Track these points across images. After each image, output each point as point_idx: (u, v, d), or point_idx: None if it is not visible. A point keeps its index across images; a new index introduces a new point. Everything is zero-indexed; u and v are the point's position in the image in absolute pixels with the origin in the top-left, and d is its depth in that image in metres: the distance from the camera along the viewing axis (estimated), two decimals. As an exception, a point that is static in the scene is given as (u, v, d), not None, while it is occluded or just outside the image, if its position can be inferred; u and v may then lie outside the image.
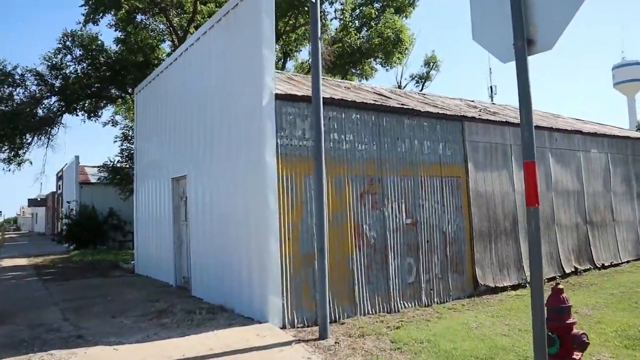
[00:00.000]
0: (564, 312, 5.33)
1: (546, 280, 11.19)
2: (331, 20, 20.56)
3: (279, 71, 13.92)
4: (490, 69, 40.51)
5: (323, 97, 8.74)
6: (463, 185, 10.56)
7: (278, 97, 8.30)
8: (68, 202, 26.85)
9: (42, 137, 17.15)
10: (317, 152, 7.50)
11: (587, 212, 13.09)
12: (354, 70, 22.83)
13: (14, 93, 15.83)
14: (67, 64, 17.03)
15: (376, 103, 9.55)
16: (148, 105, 14.31)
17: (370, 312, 8.84)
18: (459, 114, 10.82)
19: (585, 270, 12.52)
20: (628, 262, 13.78)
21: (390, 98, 11.85)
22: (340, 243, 8.68)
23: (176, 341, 7.14)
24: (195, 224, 10.76)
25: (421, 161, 9.96)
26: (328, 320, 7.37)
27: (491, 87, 36.18)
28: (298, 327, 7.98)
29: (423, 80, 30.52)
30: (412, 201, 9.72)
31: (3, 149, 16.42)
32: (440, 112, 10.52)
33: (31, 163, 17.96)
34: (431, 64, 30.00)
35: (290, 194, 8.25)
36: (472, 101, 16.51)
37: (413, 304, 9.40)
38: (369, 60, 20.37)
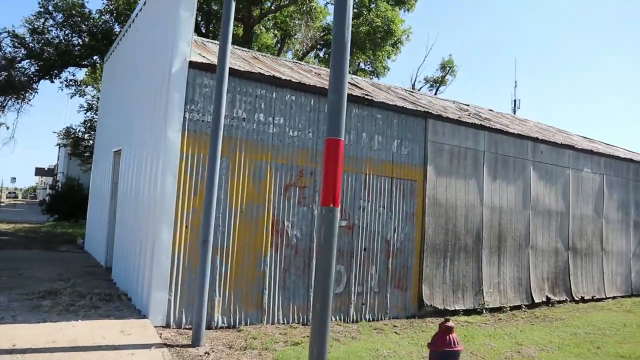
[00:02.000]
0: (449, 358, 4.16)
1: (509, 308, 9.87)
2: (325, 5, 19.32)
3: (244, 49, 12.93)
4: (515, 82, 38.52)
5: (251, 72, 7.69)
6: (419, 191, 9.30)
7: (193, 65, 7.25)
8: (60, 172, 26.47)
9: (18, 102, 16.63)
10: (213, 129, 6.42)
11: (571, 237, 11.60)
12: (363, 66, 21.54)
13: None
14: (49, 29, 16.43)
15: (316, 85, 8.38)
16: (109, 75, 13.49)
17: (282, 322, 7.72)
18: (422, 109, 9.55)
19: (559, 302, 11.07)
20: (614, 297, 12.23)
21: (361, 88, 10.66)
22: (252, 239, 7.58)
23: (26, 327, 6.18)
24: (121, 203, 9.84)
25: (368, 157, 8.75)
26: (203, 326, 6.29)
27: (515, 100, 34.64)
28: (185, 328, 6.94)
29: (437, 84, 29.05)
30: (351, 202, 8.53)
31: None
32: (399, 104, 9.27)
33: (7, 128, 17.46)
34: (447, 68, 28.50)
35: (195, 177, 7.20)
36: (467, 105, 15.13)
37: (338, 318, 8.23)
38: (357, 52, 19.01)
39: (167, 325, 6.89)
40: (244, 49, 12.27)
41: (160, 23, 8.12)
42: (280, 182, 7.87)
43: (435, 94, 29.77)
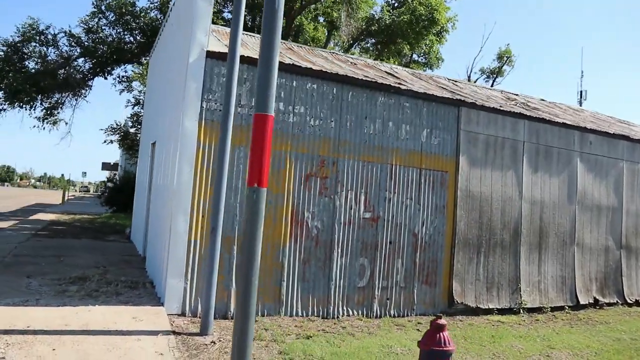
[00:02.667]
0: (438, 358, 3.89)
1: (549, 309, 9.27)
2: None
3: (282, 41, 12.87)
4: (582, 72, 36.30)
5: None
6: (450, 182, 8.87)
7: (210, 55, 7.25)
8: (120, 166, 27.74)
9: (75, 98, 17.50)
10: (223, 118, 6.38)
11: (624, 234, 10.71)
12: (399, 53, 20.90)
13: (44, 52, 16.22)
14: (102, 28, 17.17)
15: (338, 74, 8.16)
16: (152, 70, 13.89)
17: (300, 314, 7.61)
18: (454, 97, 9.09)
19: (609, 304, 10.25)
20: (675, 302, 11.17)
21: (397, 77, 10.32)
22: (271, 230, 7.49)
23: (46, 310, 6.43)
24: (153, 193, 10.09)
25: (395, 147, 8.44)
26: (212, 315, 6.29)
27: (581, 92, 32.63)
28: (200, 317, 6.96)
29: (494, 75, 27.84)
30: (376, 192, 8.26)
31: (35, 107, 16.97)
32: (428, 92, 8.87)
33: (66, 123, 18.44)
34: (504, 58, 27.22)
35: (212, 167, 7.20)
36: (517, 95, 14.35)
37: (360, 312, 8.01)
38: (399, 41, 18.34)
39: (183, 314, 6.96)
40: (283, 41, 12.21)
41: (183, 14, 8.21)
42: (300, 172, 7.73)
43: (492, 86, 28.58)
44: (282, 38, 17.68)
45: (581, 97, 32.09)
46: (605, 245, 10.43)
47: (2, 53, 15.74)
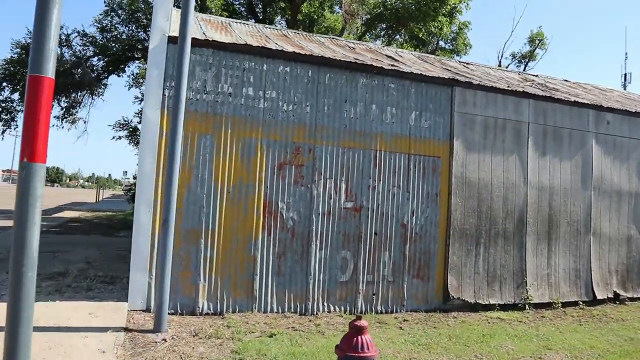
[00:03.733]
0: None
1: (560, 305, 8.49)
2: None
3: (274, 27, 12.47)
4: (626, 54, 34.06)
5: (236, 44, 7.19)
6: (443, 168, 8.20)
7: (173, 40, 6.89)
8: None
9: (91, 97, 17.73)
10: (174, 104, 6.00)
11: (650, 222, 9.67)
12: (398, 37, 19.91)
13: (58, 52, 16.36)
14: (115, 25, 17.27)
15: (313, 55, 7.65)
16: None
17: (276, 310, 7.18)
18: (447, 77, 8.39)
19: (633, 299, 9.27)
20: None
21: (399, 61, 9.70)
22: (241, 222, 7.10)
23: (2, 306, 6.27)
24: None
25: (379, 132, 7.85)
26: (165, 311, 5.93)
27: (625, 74, 30.58)
28: (169, 314, 6.65)
29: (526, 59, 26.41)
30: (358, 180, 7.72)
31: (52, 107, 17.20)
32: (416, 72, 8.21)
33: (85, 122, 18.73)
34: (536, 41, 25.73)
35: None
36: (536, 76, 13.38)
37: (342, 309, 7.50)
38: (410, 24, 17.37)
39: (147, 309, 6.66)
40: (274, 27, 11.81)
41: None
42: (273, 161, 7.29)
43: (524, 70, 27.18)
44: (289, 25, 17.19)
45: (625, 80, 30.06)
46: (628, 235, 9.44)
47: (15, 55, 16.08)
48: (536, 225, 8.68)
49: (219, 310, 6.93)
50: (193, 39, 6.96)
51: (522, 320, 7.66)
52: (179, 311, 6.75)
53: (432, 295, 8.05)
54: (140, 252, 6.68)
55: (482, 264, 8.30)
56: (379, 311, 7.69)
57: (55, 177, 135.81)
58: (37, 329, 5.51)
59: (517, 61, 26.94)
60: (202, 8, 16.48)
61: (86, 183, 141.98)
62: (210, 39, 7.03)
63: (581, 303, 8.79)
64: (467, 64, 12.95)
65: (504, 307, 8.28)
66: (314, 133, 7.49)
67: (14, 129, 17.56)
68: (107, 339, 5.47)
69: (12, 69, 16.34)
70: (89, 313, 6.19)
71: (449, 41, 28.13)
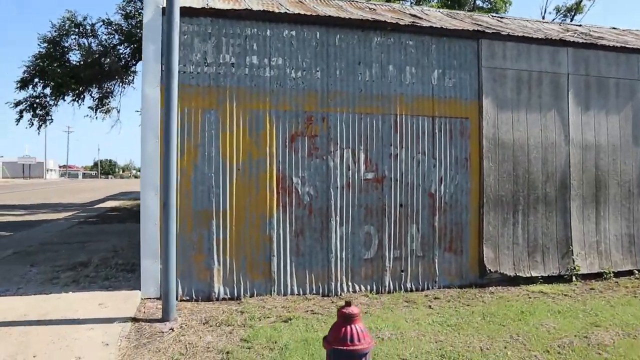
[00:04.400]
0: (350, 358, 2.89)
1: (612, 275, 7.71)
2: None
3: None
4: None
5: (235, 10, 6.68)
6: (473, 130, 7.48)
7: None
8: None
9: (122, 85, 17.74)
10: (166, 77, 5.57)
11: None
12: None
13: (85, 44, 16.44)
14: (139, 11, 17.06)
15: (319, 15, 7.03)
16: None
17: (297, 292, 6.78)
18: (471, 28, 7.59)
19: (697, 265, 8.31)
20: None
21: (422, 19, 8.92)
22: (254, 200, 6.68)
23: (15, 299, 6.18)
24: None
25: (398, 94, 7.20)
26: (173, 299, 5.61)
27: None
28: (183, 300, 6.39)
29: (572, 12, 24.59)
30: (379, 149, 7.12)
31: (83, 98, 17.40)
32: (435, 25, 7.46)
33: (118, 111, 18.81)
34: (583, -8, 23.86)
35: (181, 135, 6.48)
36: (579, 25, 12.22)
37: (367, 288, 7.01)
38: None
39: (161, 297, 6.39)
40: None
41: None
42: (284, 133, 6.80)
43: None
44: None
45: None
46: (689, 193, 8.43)
47: (43, 50, 16.17)
48: (581, 188, 7.84)
49: (235, 294, 6.58)
50: (189, 8, 6.52)
51: (568, 294, 6.94)
52: (194, 297, 6.45)
53: (466, 270, 7.42)
54: (149, 238, 6.39)
55: (521, 234, 7.57)
56: (409, 289, 7.14)
57: (109, 169, 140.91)
58: (46, 322, 5.35)
59: (562, 15, 25.13)
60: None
61: (138, 173, 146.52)
62: (208, 7, 6.54)
63: (637, 272, 7.93)
64: (501, 18, 11.93)
65: (548, 280, 7.55)
66: (326, 100, 6.93)
67: (49, 124, 17.80)
68: (113, 330, 5.19)
69: (41, 64, 16.45)
70: (99, 304, 5.96)
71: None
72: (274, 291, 6.68)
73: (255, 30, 6.72)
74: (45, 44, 16.33)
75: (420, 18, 9.29)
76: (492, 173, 7.48)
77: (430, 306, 6.33)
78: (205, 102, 6.55)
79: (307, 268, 6.84)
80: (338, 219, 6.94)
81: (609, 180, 8.00)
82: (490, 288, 7.27)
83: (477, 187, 7.47)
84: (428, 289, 7.22)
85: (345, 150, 6.98)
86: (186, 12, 6.49)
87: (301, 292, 6.78)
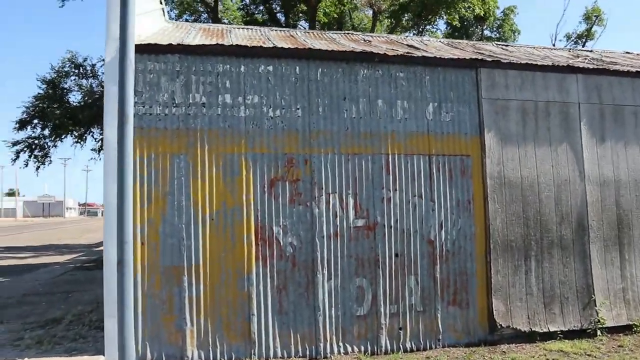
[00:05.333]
0: None
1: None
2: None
3: (282, 29, 11.42)
4: None
5: (205, 45, 6.18)
6: (475, 169, 6.75)
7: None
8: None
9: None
10: (119, 119, 5.00)
11: None
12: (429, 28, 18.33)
13: (86, 85, 16.32)
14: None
15: (297, 48, 6.48)
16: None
17: (280, 355, 6.01)
18: (468, 57, 6.95)
19: None
20: None
21: (419, 49, 8.35)
22: (230, 253, 6.01)
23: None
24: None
25: (389, 131, 6.54)
26: (127, 371, 4.88)
27: None
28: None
29: (583, 39, 23.95)
30: (369, 192, 6.42)
31: (85, 139, 17.17)
32: (429, 55, 6.84)
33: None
34: (593, 18, 23.26)
35: (148, 182, 5.90)
36: (590, 51, 11.54)
37: (362, 349, 6.20)
38: (436, 9, 15.62)
39: (125, 364, 5.68)
40: (281, 29, 10.74)
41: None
42: (262, 177, 6.16)
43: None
44: (310, 28, 16.01)
45: None
46: None
47: (42, 91, 16.06)
48: (602, 230, 7.00)
49: (211, 358, 5.83)
50: (155, 45, 6.03)
51: (592, 353, 6.03)
52: (163, 362, 5.73)
53: (474, 325, 6.57)
54: (112, 295, 5.71)
55: (535, 282, 6.72)
56: (408, 349, 6.31)
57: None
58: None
59: (572, 42, 24.51)
60: (215, 19, 15.78)
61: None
62: (175, 43, 6.03)
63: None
64: (506, 45, 11.32)
65: (569, 334, 6.64)
66: (308, 140, 6.30)
67: (48, 165, 17.55)
68: (55, 412, 4.50)
69: (41, 105, 16.31)
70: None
71: (494, 29, 26.25)
72: (255, 354, 5.92)
73: (228, 66, 6.17)
74: (45, 85, 16.20)
75: (417, 48, 8.71)
76: (498, 216, 6.70)
77: (429, 373, 5.50)
78: (174, 146, 5.97)
79: (291, 327, 6.07)
80: (325, 272, 6.20)
81: (632, 219, 7.14)
82: (502, 346, 6.39)
83: (483, 231, 6.68)
84: (430, 348, 6.37)
85: (331, 195, 6.30)
86: (152, 49, 6.00)
87: (285, 355, 6.01)
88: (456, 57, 6.89)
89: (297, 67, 6.35)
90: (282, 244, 6.14)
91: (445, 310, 6.50)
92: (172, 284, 5.85)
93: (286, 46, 6.44)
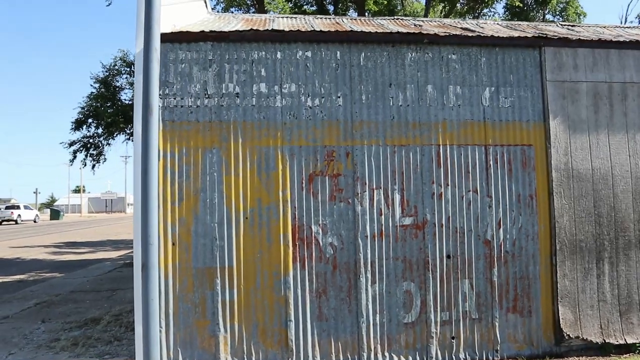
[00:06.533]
0: None
1: None
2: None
3: (328, 17, 10.90)
4: None
5: (240, 32, 5.77)
6: (538, 160, 6.00)
7: (163, 38, 5.63)
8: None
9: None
10: (143, 111, 4.67)
11: None
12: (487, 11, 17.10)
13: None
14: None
15: (339, 31, 5.94)
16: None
17: (320, 365, 5.54)
18: (532, 35, 6.18)
19: None
20: None
21: (475, 31, 7.66)
22: (266, 254, 5.59)
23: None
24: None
25: (440, 119, 5.91)
26: (154, 382, 4.56)
27: None
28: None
29: (655, 16, 21.96)
30: (417, 187, 5.83)
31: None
32: (485, 34, 6.13)
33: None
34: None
35: (179, 179, 5.57)
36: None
37: (409, 359, 5.64)
38: None
39: (155, 371, 5.40)
40: (328, 16, 10.23)
41: None
42: (299, 172, 5.70)
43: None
44: (359, 13, 15.35)
45: None
46: None
47: (95, 90, 16.32)
48: (690, 228, 6.07)
49: (246, 367, 5.47)
50: (187, 32, 5.68)
51: (681, 372, 5.20)
52: (196, 371, 5.41)
53: (537, 335, 5.85)
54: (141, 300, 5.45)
55: (609, 288, 5.92)
56: (462, 359, 5.70)
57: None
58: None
59: (644, 21, 22.52)
60: (261, 12, 15.48)
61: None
62: (208, 30, 5.66)
63: None
64: (572, 26, 10.30)
65: (650, 349, 5.81)
66: (350, 131, 5.78)
67: (103, 163, 17.87)
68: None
69: (94, 104, 16.58)
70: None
71: (557, 13, 24.64)
72: (292, 364, 5.50)
73: (264, 53, 5.74)
74: (98, 84, 16.46)
75: (472, 31, 7.98)
76: (565, 213, 5.93)
77: (487, 392, 4.88)
78: (206, 140, 5.61)
79: (332, 335, 5.60)
80: (369, 275, 5.68)
81: None
82: (570, 359, 5.66)
83: (547, 230, 5.94)
84: (487, 359, 5.74)
85: (375, 191, 5.75)
86: (184, 37, 5.65)
87: (325, 365, 5.55)
88: (515, 35, 6.15)
89: (338, 52, 5.82)
90: (321, 244, 5.67)
91: (504, 318, 5.82)
92: (205, 287, 5.51)
93: (325, 29, 5.93)
